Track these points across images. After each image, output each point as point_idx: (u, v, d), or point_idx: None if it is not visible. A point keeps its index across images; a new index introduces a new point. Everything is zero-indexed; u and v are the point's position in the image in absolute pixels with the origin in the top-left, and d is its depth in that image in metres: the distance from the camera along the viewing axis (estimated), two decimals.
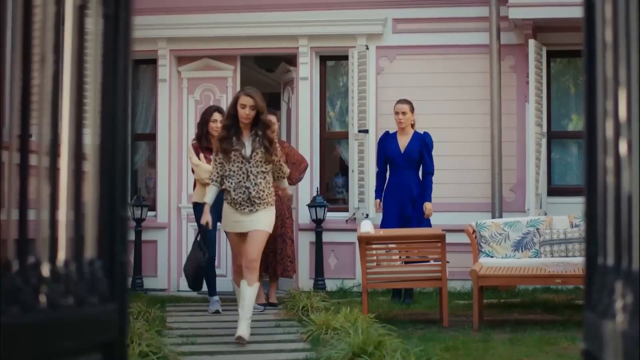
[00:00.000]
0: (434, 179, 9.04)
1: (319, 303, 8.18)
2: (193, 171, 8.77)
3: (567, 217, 8.73)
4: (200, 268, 7.97)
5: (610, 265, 1.95)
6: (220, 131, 7.28)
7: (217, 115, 8.55)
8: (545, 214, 9.72)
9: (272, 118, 8.24)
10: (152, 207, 10.68)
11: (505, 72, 10.30)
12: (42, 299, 1.80)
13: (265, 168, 7.01)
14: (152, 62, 10.91)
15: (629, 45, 1.82)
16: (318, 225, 10.15)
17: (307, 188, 10.46)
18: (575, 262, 7.95)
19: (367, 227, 7.96)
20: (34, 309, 1.76)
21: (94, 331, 2.06)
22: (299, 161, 9.39)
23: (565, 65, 10.83)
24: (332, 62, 11.02)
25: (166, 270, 10.57)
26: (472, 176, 10.32)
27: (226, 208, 7.07)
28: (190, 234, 10.42)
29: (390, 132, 9.22)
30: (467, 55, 10.41)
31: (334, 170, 11.60)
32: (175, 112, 10.83)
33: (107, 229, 2.13)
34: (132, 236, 9.99)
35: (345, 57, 10.55)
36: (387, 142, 9.14)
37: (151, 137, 11.03)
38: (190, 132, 10.29)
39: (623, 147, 1.86)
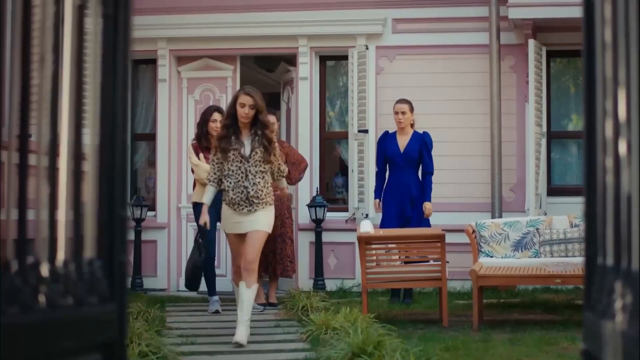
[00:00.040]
0: (434, 178, 9.03)
1: (319, 303, 8.18)
2: (193, 171, 8.77)
3: (567, 217, 8.73)
4: (197, 268, 7.95)
5: (610, 265, 1.95)
6: (220, 130, 7.27)
7: (216, 115, 8.54)
8: (545, 214, 9.72)
9: (272, 118, 8.23)
10: (152, 207, 10.69)
11: (505, 72, 10.30)
12: (42, 299, 1.80)
13: (264, 168, 6.99)
14: (152, 62, 10.91)
15: (629, 45, 1.82)
16: (318, 225, 10.15)
17: (306, 188, 10.46)
18: (575, 262, 7.95)
19: (366, 227, 7.96)
20: (33, 309, 1.76)
21: (94, 331, 2.06)
22: (299, 161, 9.38)
23: (565, 65, 10.83)
24: (332, 62, 11.03)
25: (166, 270, 10.58)
26: (472, 176, 10.32)
27: (225, 209, 7.05)
28: (190, 234, 10.42)
29: (390, 131, 9.22)
30: (467, 55, 10.41)
31: (334, 170, 11.60)
32: (175, 112, 10.83)
33: (107, 229, 2.13)
34: (131, 236, 10.00)
35: (345, 57, 10.55)
36: (386, 141, 9.14)
37: (151, 137, 11.03)
38: (190, 132, 10.29)
39: (622, 147, 1.85)
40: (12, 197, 1.75)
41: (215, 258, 9.31)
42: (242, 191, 6.93)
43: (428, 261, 8.12)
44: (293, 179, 9.30)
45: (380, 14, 10.53)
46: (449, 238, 8.09)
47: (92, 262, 2.06)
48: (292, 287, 9.78)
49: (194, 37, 10.68)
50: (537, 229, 8.64)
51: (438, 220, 9.30)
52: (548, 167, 10.41)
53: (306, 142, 10.54)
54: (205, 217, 7.14)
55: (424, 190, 8.97)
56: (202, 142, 8.58)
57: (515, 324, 7.64)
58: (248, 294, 6.82)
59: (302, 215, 10.41)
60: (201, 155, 8.52)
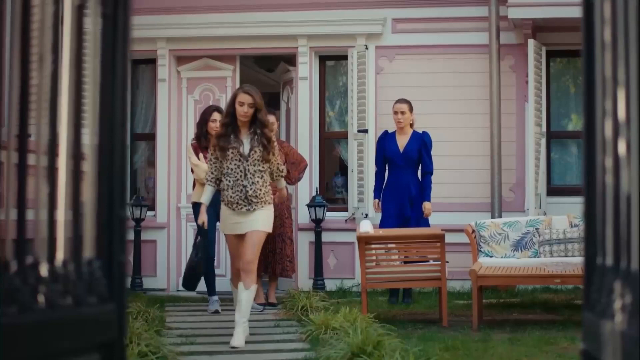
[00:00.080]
0: (434, 178, 9.03)
1: (318, 303, 8.18)
2: (192, 171, 8.77)
3: (567, 217, 8.73)
4: (192, 268, 7.93)
5: (609, 265, 1.95)
6: (218, 128, 7.24)
7: (216, 115, 8.54)
8: (545, 214, 9.72)
9: (272, 118, 8.22)
10: (152, 207, 10.69)
11: (504, 72, 10.30)
12: (41, 299, 1.80)
13: (263, 167, 6.96)
14: (152, 62, 10.91)
15: (628, 45, 1.82)
16: (317, 225, 10.15)
17: (306, 188, 10.46)
18: (575, 262, 7.95)
19: (366, 227, 7.96)
20: (32, 309, 1.76)
21: (93, 331, 2.06)
22: (298, 161, 9.38)
23: (564, 65, 10.83)
24: (332, 62, 11.03)
25: (165, 270, 10.57)
26: (472, 176, 10.32)
27: (224, 210, 7.01)
28: (189, 233, 10.42)
29: (389, 131, 9.21)
30: (467, 55, 10.41)
31: (334, 170, 11.60)
32: (174, 112, 10.83)
33: (106, 229, 2.13)
34: (131, 236, 10.00)
35: (345, 57, 10.55)
36: (386, 141, 9.13)
37: (150, 137, 11.03)
38: (190, 132, 10.29)
39: (622, 147, 1.85)
40: (11, 197, 1.75)
41: (215, 258, 9.31)
42: (241, 190, 6.91)
43: (428, 261, 8.12)
44: (293, 179, 9.30)
45: (380, 13, 10.53)
46: (449, 238, 8.09)
47: (92, 262, 2.06)
48: (291, 287, 9.78)
49: (193, 37, 10.68)
50: (536, 229, 8.64)
51: (438, 220, 9.30)
52: (548, 167, 10.40)
53: (306, 142, 10.54)
54: (203, 217, 7.13)
55: (424, 190, 8.97)
56: (202, 142, 8.58)
57: (515, 323, 7.64)
58: (246, 295, 6.79)
59: (302, 215, 10.41)
60: (201, 155, 8.52)
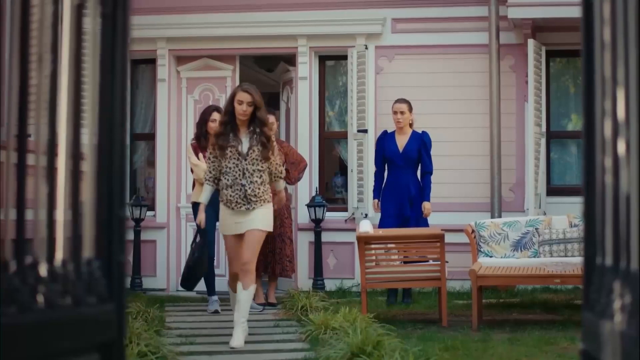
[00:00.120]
0: (433, 178, 9.03)
1: (318, 303, 8.18)
2: (192, 171, 8.77)
3: (566, 216, 8.73)
4: (190, 268, 7.92)
5: (609, 265, 1.95)
6: (217, 127, 7.22)
7: (216, 115, 8.53)
8: (545, 214, 9.72)
9: (271, 118, 8.21)
10: (151, 207, 10.69)
11: (504, 72, 10.30)
12: (40, 299, 1.80)
13: (262, 166, 6.92)
14: (152, 61, 10.91)
15: (627, 45, 1.82)
16: (317, 225, 10.15)
17: (306, 188, 10.46)
18: (574, 261, 7.95)
19: (366, 227, 7.96)
20: (31, 309, 1.76)
21: (92, 331, 2.06)
22: (298, 161, 9.38)
23: (564, 65, 10.83)
24: (332, 62, 11.03)
25: (165, 270, 10.58)
26: (472, 176, 10.32)
27: (223, 210, 6.97)
28: (189, 233, 10.41)
29: (389, 131, 9.21)
30: (467, 55, 10.41)
31: (333, 170, 11.60)
32: (174, 112, 10.83)
33: (105, 229, 2.13)
34: (131, 236, 10.00)
35: (345, 57, 10.55)
36: (385, 141, 9.13)
37: (150, 137, 11.03)
38: (190, 132, 10.29)
39: (621, 147, 1.85)
40: (10, 197, 1.75)
41: (215, 258, 9.31)
42: (240, 189, 6.88)
43: (427, 261, 8.12)
44: (292, 179, 9.30)
45: (380, 13, 10.53)
46: (448, 238, 8.09)
47: (91, 262, 2.06)
48: (291, 287, 9.78)
49: (193, 36, 10.68)
50: (536, 229, 8.64)
51: (437, 220, 9.30)
52: (547, 166, 10.40)
53: (305, 141, 10.54)
54: (201, 216, 7.12)
55: (423, 190, 8.96)
56: (202, 142, 8.57)
57: (515, 323, 7.64)
58: (245, 295, 6.76)
59: (302, 215, 10.41)
60: (200, 155, 8.51)
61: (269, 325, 7.70)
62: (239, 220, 6.89)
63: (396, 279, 8.11)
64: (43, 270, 1.84)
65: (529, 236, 8.63)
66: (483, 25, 10.27)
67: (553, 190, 10.33)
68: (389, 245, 8.28)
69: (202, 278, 8.33)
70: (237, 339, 6.66)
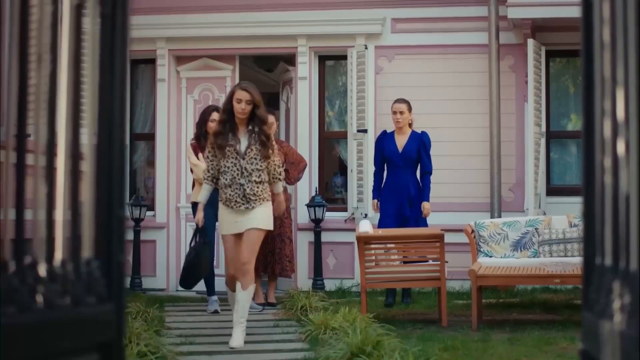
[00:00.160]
0: (433, 178, 9.03)
1: (318, 303, 8.18)
2: (192, 171, 8.77)
3: (566, 216, 8.73)
4: (189, 267, 7.91)
5: (608, 265, 1.95)
6: (216, 126, 7.19)
7: (215, 115, 8.52)
8: (544, 214, 9.72)
9: (271, 118, 8.20)
10: (151, 207, 10.69)
11: (504, 72, 10.30)
12: (39, 299, 1.80)
13: (261, 165, 6.88)
14: (151, 61, 10.91)
15: (627, 45, 1.82)
16: (317, 225, 10.15)
17: (306, 188, 10.46)
18: (574, 261, 7.95)
19: (365, 227, 7.95)
20: (30, 309, 1.76)
21: (92, 331, 2.05)
22: (298, 161, 9.38)
23: (564, 65, 10.83)
24: (331, 62, 11.03)
25: (165, 270, 10.57)
26: (471, 176, 10.32)
27: (222, 210, 6.94)
28: (189, 233, 10.39)
29: (388, 131, 9.21)
30: (466, 54, 10.41)
31: (333, 170, 11.61)
32: (174, 112, 10.83)
33: (105, 229, 2.13)
34: (130, 236, 10.01)
35: (344, 57, 10.55)
36: (384, 141, 9.12)
37: (150, 137, 11.03)
38: (189, 131, 10.29)
39: (621, 147, 1.85)
40: (9, 197, 1.75)
41: (215, 258, 9.30)
42: (239, 188, 6.86)
43: (427, 261, 8.12)
44: (292, 179, 9.30)
45: (379, 13, 10.53)
46: (448, 238, 8.09)
47: (90, 262, 2.06)
48: (291, 287, 9.78)
49: (193, 36, 10.68)
50: (536, 229, 8.64)
51: (437, 220, 9.30)
52: (547, 166, 10.40)
53: (305, 141, 10.54)
54: (199, 215, 7.11)
55: (423, 190, 8.96)
56: (201, 142, 8.57)
57: (515, 323, 7.64)
58: (243, 295, 6.75)
59: (301, 215, 10.41)
60: (200, 155, 8.51)
61: (268, 325, 7.70)
62: (238, 220, 6.86)
63: (396, 279, 8.11)
64: (42, 270, 1.84)
65: (529, 236, 8.63)
66: (483, 25, 10.27)
67: (553, 190, 10.33)
68: (389, 245, 8.28)
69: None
70: (237, 339, 6.66)
